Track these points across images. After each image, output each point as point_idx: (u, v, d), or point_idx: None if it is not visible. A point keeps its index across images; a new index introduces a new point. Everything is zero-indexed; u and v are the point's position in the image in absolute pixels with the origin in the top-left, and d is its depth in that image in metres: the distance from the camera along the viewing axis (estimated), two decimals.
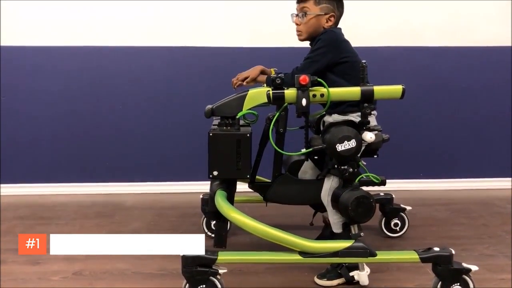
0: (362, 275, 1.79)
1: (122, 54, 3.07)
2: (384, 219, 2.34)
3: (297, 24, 1.99)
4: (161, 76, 3.11)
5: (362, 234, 1.76)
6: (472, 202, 2.95)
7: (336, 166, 1.75)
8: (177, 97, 3.12)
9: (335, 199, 1.76)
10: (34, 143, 3.10)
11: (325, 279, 1.85)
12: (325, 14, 1.94)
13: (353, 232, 1.77)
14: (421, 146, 3.22)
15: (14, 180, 3.12)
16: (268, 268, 1.99)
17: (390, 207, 2.32)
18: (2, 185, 3.11)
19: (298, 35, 2.01)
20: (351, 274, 1.81)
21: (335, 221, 1.83)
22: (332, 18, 1.95)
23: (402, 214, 2.34)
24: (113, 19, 3.04)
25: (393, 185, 2.26)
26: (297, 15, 1.98)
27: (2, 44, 3.01)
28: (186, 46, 3.08)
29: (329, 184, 1.83)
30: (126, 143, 3.14)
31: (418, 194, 3.13)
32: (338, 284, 1.84)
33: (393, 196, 2.35)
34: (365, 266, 1.81)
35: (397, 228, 2.33)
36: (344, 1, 1.99)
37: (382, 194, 2.33)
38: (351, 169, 1.73)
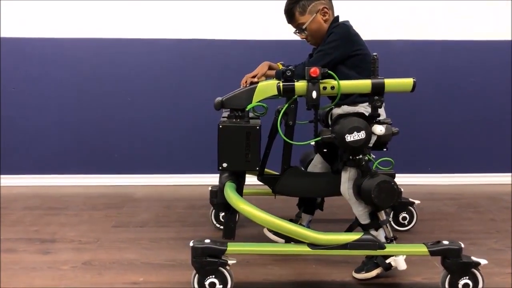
0: (398, 260, 1.74)
1: (131, 46, 3.07)
2: (392, 212, 2.34)
3: (303, 38, 2.00)
4: (170, 68, 3.11)
5: (390, 219, 1.75)
6: (480, 197, 2.94)
7: (351, 157, 1.75)
8: (186, 89, 3.13)
9: (357, 190, 1.75)
10: (43, 134, 3.12)
11: (364, 272, 1.82)
12: (317, 12, 1.93)
13: (381, 219, 1.77)
14: (430, 140, 3.21)
15: (23, 171, 3.14)
16: (275, 260, 2.00)
17: (398, 201, 2.32)
18: (11, 176, 3.13)
19: (310, 43, 2.03)
20: (387, 261, 1.77)
21: (360, 212, 1.82)
22: (325, 10, 1.93)
23: (411, 208, 2.34)
24: (123, 11, 3.05)
25: (401, 179, 2.26)
26: (297, 32, 2.00)
27: (12, 35, 3.02)
28: (195, 39, 3.08)
29: (347, 176, 1.82)
30: (135, 135, 3.15)
31: (426, 188, 3.12)
32: (377, 274, 1.81)
33: (402, 190, 2.34)
34: None
35: (405, 222, 2.33)
36: None
37: None
38: (366, 157, 1.73)
